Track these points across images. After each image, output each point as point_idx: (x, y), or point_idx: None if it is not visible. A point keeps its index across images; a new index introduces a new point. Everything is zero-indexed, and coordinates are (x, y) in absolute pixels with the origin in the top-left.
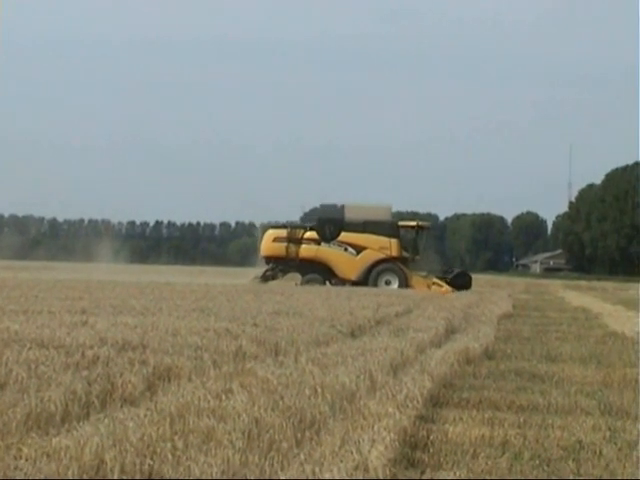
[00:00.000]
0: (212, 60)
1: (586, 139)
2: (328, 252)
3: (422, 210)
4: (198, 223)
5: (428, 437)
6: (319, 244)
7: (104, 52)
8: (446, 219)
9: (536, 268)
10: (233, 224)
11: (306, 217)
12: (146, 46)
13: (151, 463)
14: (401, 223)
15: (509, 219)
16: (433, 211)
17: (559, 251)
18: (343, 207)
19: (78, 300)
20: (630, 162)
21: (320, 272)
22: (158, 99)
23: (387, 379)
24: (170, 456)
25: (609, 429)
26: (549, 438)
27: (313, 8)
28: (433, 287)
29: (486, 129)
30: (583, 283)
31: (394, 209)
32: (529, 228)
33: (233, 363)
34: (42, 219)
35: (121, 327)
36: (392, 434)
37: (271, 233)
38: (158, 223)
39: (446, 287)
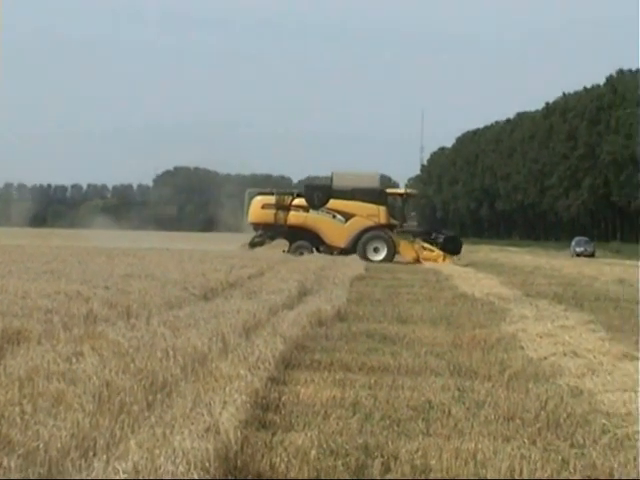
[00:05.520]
0: None
1: (437, 103)
2: (316, 219)
3: (275, 173)
4: (49, 185)
5: (280, 399)
6: (307, 211)
7: None
8: (300, 182)
9: None
10: (85, 186)
11: (159, 179)
12: None
13: None
14: (389, 190)
15: None
16: (287, 174)
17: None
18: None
19: None
20: (480, 126)
21: (308, 239)
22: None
23: (239, 341)
24: (19, 420)
25: (458, 389)
26: (399, 398)
27: None
28: (424, 253)
29: (338, 90)
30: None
31: (248, 172)
32: None
33: (84, 326)
34: None
35: None
36: (243, 396)
37: (259, 199)
38: (7, 185)
39: (437, 252)
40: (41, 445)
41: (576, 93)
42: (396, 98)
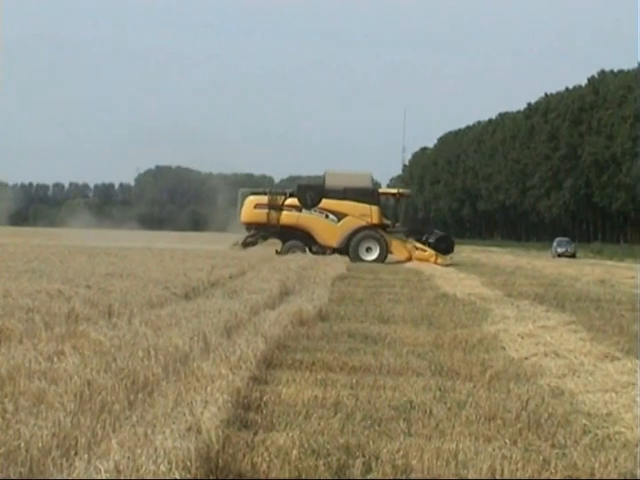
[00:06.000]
0: None
1: (419, 103)
2: (309, 219)
3: (257, 172)
4: (30, 184)
5: (261, 398)
6: (300, 211)
7: None
8: (282, 181)
9: None
10: (67, 185)
11: (140, 178)
12: None
13: None
14: (381, 190)
15: None
16: (268, 173)
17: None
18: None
19: None
20: (462, 126)
21: (301, 239)
22: None
23: (221, 341)
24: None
25: (439, 389)
26: (381, 398)
27: None
28: (417, 253)
29: (318, 90)
30: None
31: (230, 171)
32: None
33: (65, 325)
34: None
35: None
36: (225, 395)
37: (252, 199)
38: None
39: (430, 251)
40: (22, 444)
41: (558, 94)
42: (378, 98)
